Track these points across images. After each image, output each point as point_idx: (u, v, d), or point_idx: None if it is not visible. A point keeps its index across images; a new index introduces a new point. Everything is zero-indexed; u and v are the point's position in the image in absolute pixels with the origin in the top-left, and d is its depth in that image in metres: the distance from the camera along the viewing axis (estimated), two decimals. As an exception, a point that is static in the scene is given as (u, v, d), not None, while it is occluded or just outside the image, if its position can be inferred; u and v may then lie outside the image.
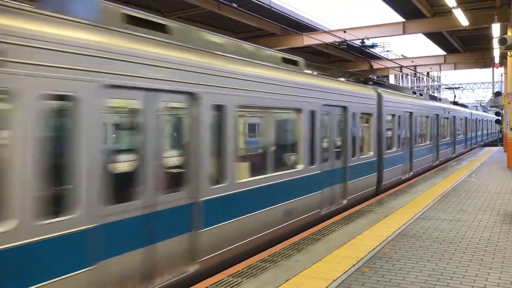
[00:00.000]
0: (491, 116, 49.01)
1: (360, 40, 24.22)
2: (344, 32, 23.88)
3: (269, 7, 19.35)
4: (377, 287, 5.46)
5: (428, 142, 19.31)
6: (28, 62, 4.03)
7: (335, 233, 8.12)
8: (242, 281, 5.70)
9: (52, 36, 4.26)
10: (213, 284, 5.66)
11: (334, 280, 5.69)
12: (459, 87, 47.76)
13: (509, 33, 20.39)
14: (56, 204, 4.28)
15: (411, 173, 16.71)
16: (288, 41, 26.49)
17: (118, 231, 4.87)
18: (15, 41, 3.93)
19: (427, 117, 19.16)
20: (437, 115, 20.85)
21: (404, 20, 23.96)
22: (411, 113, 16.58)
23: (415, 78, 64.09)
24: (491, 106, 32.31)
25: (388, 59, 37.74)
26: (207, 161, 6.21)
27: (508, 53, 19.62)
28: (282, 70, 8.52)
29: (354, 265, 6.29)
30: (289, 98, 8.40)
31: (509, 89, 20.50)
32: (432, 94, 47.76)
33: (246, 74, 7.23)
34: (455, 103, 30.29)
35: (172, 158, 6.03)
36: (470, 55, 35.39)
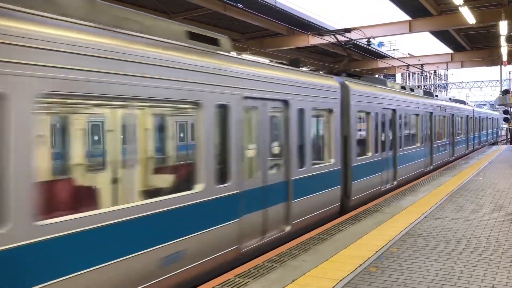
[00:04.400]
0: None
1: (366, 40, 24.12)
2: (350, 31, 23.77)
3: (274, 7, 19.31)
4: (384, 286, 5.45)
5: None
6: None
7: (342, 233, 8.11)
8: (248, 281, 5.71)
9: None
10: (219, 284, 5.67)
11: (340, 280, 5.68)
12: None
13: (516, 31, 20.23)
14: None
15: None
16: (294, 41, 26.41)
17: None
18: None
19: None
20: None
21: (410, 18, 23.80)
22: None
23: (422, 77, 63.83)
24: (499, 104, 32.85)
25: (395, 58, 37.57)
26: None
27: (516, 50, 19.47)
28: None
29: (361, 265, 6.28)
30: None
31: (517, 87, 20.34)
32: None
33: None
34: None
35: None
36: (477, 53, 35.07)
